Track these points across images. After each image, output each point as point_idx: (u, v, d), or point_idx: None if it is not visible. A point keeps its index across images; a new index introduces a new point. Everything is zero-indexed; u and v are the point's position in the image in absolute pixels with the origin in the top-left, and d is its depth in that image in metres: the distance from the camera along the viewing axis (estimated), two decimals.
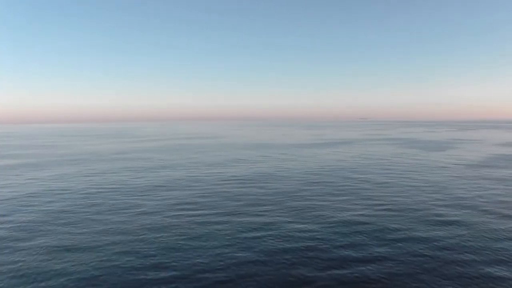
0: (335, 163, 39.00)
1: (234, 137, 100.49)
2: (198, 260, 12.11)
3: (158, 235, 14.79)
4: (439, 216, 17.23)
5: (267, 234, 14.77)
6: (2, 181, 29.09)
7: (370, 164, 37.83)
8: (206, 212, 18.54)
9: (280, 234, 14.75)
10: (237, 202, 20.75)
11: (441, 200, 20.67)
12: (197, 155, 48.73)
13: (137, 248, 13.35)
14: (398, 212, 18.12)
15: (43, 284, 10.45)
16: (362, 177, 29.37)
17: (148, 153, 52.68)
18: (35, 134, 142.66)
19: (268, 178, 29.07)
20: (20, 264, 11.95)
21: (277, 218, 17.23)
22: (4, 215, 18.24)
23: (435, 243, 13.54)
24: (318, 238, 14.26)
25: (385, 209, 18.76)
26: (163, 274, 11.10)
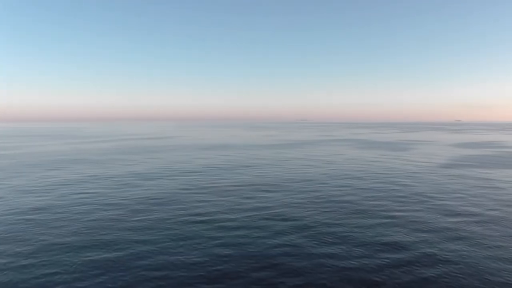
0: (304, 163, 38.78)
1: (186, 138, 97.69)
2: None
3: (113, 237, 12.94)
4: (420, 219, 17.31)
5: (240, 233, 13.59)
6: None
7: (338, 164, 38.21)
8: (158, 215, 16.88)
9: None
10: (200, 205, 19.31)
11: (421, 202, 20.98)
12: (160, 156, 45.94)
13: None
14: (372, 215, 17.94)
15: None
16: (335, 178, 29.39)
17: (112, 155, 48.61)
18: None
19: (247, 184, 27.91)
20: None
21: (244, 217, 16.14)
22: None
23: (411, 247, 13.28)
24: (298, 244, 13.36)
25: (356, 211, 18.51)
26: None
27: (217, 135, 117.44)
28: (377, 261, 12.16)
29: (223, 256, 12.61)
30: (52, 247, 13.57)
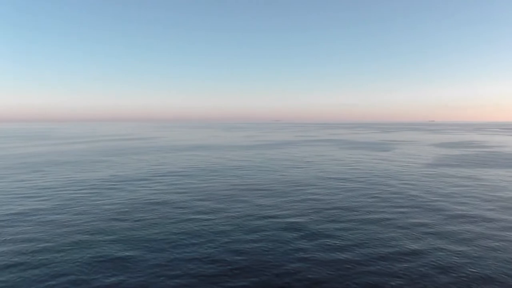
0: (293, 164, 38.05)
1: (166, 139, 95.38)
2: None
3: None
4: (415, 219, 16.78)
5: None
6: None
7: (326, 164, 37.67)
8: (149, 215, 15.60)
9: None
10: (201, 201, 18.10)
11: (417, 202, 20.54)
12: (143, 157, 44.00)
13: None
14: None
15: None
16: (326, 177, 28.69)
17: (96, 156, 46.10)
18: None
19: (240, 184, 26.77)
20: None
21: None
22: None
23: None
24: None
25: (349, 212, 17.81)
26: None
27: (199, 136, 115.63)
28: (368, 261, 11.48)
29: (208, 257, 11.51)
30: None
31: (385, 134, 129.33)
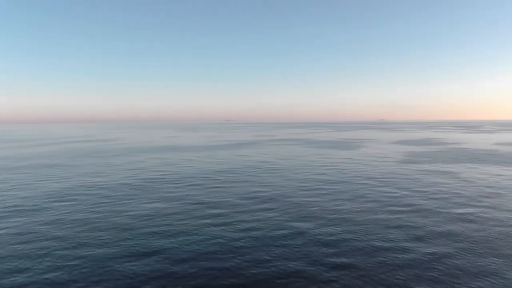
0: (260, 164, 37.87)
1: (128, 140, 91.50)
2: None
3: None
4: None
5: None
6: None
7: (295, 163, 37.94)
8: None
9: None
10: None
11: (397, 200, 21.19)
12: (103, 161, 41.66)
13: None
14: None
15: None
16: (297, 177, 28.87)
17: (55, 159, 42.73)
18: None
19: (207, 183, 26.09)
20: None
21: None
22: None
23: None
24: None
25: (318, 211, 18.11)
26: None
27: (156, 137, 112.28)
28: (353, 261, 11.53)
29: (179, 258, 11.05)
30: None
31: (342, 133, 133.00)
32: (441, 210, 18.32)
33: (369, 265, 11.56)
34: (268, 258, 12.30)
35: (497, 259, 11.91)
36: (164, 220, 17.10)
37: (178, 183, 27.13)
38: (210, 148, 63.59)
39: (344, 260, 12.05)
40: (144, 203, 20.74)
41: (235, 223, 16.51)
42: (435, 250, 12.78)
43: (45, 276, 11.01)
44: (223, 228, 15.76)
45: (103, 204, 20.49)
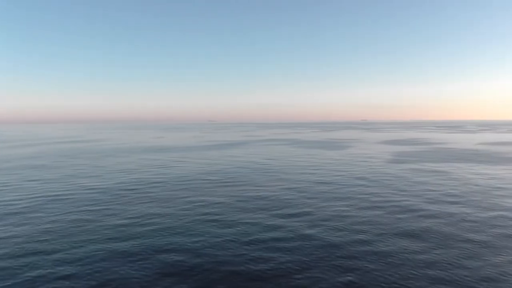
0: (252, 165, 38.29)
1: (111, 141, 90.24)
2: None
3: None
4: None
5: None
6: None
7: (285, 163, 38.51)
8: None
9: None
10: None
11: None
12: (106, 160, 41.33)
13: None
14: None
15: None
16: (289, 177, 29.43)
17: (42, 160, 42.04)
18: None
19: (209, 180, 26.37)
20: None
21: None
22: None
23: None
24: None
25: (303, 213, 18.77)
26: None
27: (142, 137, 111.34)
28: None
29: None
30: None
31: (328, 133, 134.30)
32: (435, 210, 19.07)
33: (369, 266, 11.92)
34: (266, 259, 12.71)
35: (499, 260, 12.57)
36: (157, 221, 17.27)
37: (169, 184, 27.24)
38: (199, 148, 63.57)
39: (344, 261, 12.56)
40: (136, 204, 20.88)
41: (229, 223, 16.84)
42: (431, 250, 13.39)
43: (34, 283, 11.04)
44: (218, 227, 16.08)
45: (91, 207, 20.56)
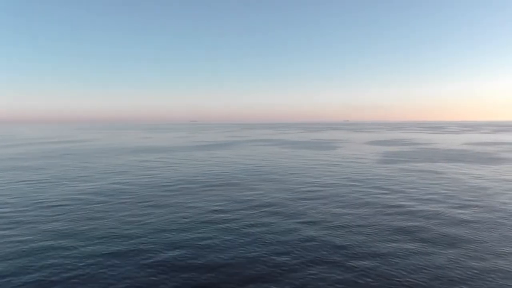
0: (244, 166, 38.15)
1: (99, 142, 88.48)
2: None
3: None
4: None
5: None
6: None
7: (277, 164, 38.53)
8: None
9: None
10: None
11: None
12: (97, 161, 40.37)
13: None
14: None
15: None
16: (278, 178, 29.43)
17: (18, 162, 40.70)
18: None
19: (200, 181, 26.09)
20: None
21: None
22: None
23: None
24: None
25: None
26: None
27: (129, 138, 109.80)
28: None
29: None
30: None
31: (313, 134, 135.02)
32: (422, 208, 19.23)
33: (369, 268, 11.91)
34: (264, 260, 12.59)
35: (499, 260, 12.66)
36: (146, 222, 17.03)
37: (159, 186, 26.92)
38: (186, 149, 63.06)
39: (343, 260, 12.49)
40: (128, 206, 20.52)
41: (220, 222, 16.68)
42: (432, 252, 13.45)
43: None
44: (211, 227, 15.91)
45: (79, 211, 20.09)
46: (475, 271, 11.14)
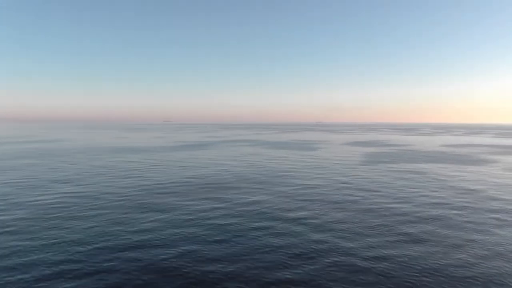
0: (229, 168, 38.00)
1: (82, 141, 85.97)
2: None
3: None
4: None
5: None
6: None
7: (267, 165, 38.55)
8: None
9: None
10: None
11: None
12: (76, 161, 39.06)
13: None
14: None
15: None
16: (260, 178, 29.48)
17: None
18: None
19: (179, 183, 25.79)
20: None
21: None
22: None
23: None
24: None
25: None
26: None
27: (104, 137, 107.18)
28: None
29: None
30: None
31: (289, 134, 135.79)
32: (402, 208, 19.62)
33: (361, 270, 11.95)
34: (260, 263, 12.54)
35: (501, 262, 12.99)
36: (137, 226, 16.72)
37: (144, 187, 26.50)
38: (165, 149, 62.35)
39: (343, 259, 12.58)
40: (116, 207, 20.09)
41: (203, 223, 16.56)
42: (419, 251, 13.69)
43: None
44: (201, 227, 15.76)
45: (61, 213, 19.56)
46: (444, 267, 11.43)
